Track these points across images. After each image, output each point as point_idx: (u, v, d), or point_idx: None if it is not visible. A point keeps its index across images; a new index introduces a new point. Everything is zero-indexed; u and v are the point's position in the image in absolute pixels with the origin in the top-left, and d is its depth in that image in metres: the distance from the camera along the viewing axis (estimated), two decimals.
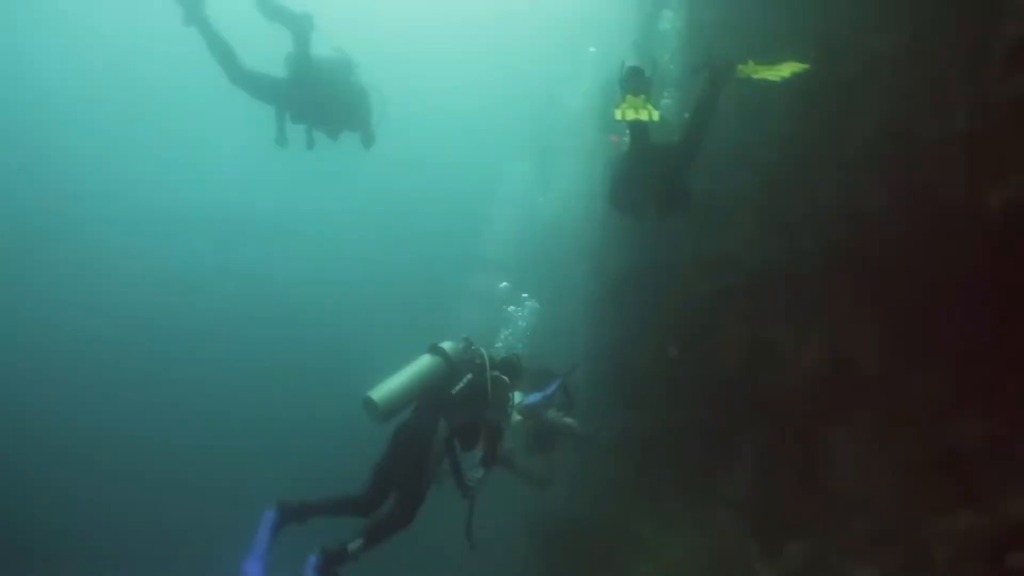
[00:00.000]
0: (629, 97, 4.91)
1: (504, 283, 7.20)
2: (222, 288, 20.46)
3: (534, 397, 6.19)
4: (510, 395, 4.37)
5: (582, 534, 6.78)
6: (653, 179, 5.75)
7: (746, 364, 5.77)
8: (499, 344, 4.90)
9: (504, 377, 4.32)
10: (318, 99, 5.77)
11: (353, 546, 3.41)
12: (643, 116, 4.81)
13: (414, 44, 18.43)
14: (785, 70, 4.74)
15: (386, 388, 3.90)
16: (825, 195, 5.01)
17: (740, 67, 4.92)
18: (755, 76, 4.86)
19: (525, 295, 7.43)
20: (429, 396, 3.98)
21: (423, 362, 4.09)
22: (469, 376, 4.14)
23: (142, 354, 19.12)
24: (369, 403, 3.85)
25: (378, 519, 3.66)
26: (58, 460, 16.18)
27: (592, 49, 9.10)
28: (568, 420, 6.34)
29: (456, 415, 3.96)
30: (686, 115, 5.45)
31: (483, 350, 4.34)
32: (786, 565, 4.80)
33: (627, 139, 6.14)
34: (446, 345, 4.19)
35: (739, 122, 5.66)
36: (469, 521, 4.01)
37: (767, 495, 5.44)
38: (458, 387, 4.05)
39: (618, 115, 4.91)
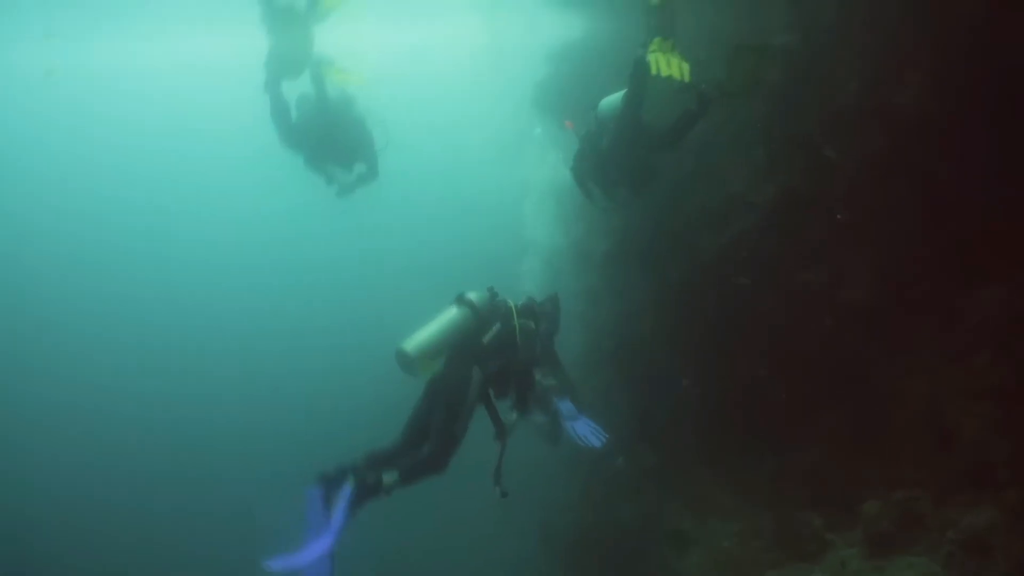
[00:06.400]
0: (658, 40, 4.11)
1: None
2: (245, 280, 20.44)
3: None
4: (536, 342, 4.32)
5: (607, 536, 5.84)
6: (628, 158, 4.87)
7: (773, 315, 5.07)
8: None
9: (531, 323, 4.33)
10: (333, 136, 5.94)
11: (389, 479, 3.39)
12: (675, 72, 4.03)
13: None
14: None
15: (418, 338, 3.91)
16: (846, 96, 4.44)
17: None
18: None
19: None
20: (460, 346, 4.01)
21: (451, 313, 4.10)
22: (498, 325, 4.17)
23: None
24: (402, 354, 3.84)
25: (416, 459, 3.65)
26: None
27: None
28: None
29: (489, 363, 3.99)
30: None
31: (508, 300, 4.35)
32: (869, 529, 3.99)
33: (594, 121, 5.01)
34: (472, 296, 4.19)
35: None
36: (499, 467, 3.95)
37: (821, 457, 4.67)
38: (488, 336, 4.08)
39: (651, 64, 4.05)
